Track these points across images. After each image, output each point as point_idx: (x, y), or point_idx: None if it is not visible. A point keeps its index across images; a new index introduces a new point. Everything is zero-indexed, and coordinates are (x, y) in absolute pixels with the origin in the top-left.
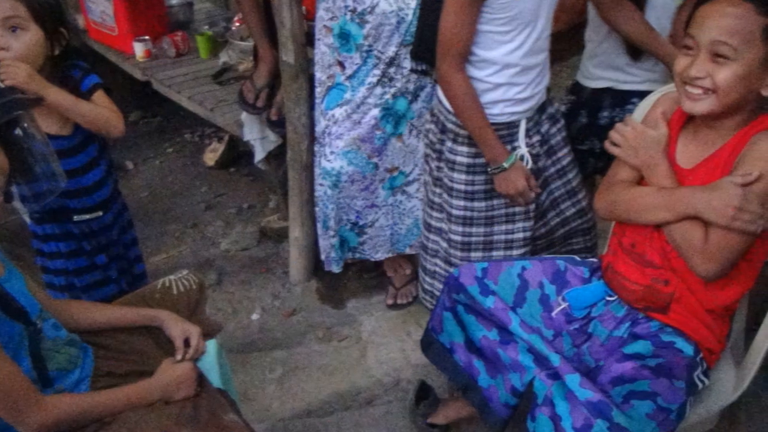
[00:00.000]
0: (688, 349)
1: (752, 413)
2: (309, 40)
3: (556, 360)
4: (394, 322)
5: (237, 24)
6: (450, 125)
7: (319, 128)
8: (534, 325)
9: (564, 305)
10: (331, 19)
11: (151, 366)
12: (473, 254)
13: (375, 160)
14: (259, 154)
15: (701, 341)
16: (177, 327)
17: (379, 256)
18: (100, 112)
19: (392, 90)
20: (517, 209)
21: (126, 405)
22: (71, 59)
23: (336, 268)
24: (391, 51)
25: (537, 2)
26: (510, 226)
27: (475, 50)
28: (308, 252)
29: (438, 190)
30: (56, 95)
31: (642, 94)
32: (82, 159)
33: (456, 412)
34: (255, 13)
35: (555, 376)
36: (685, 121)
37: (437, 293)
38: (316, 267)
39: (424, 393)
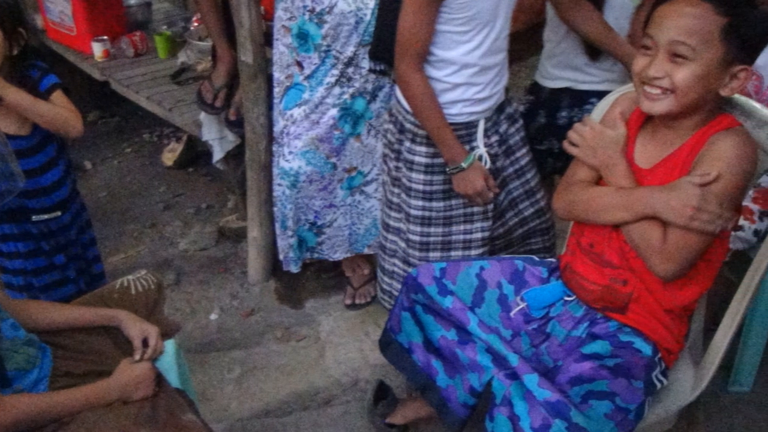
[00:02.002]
0: (647, 349)
1: (711, 413)
2: (267, 40)
3: (514, 360)
4: (352, 322)
5: (195, 24)
6: (408, 125)
7: (277, 128)
8: (492, 325)
9: (522, 305)
10: (290, 19)
11: (109, 366)
12: (431, 254)
13: (333, 160)
14: (218, 154)
15: (660, 341)
16: (135, 327)
17: (338, 256)
18: (59, 112)
19: (351, 90)
20: (476, 209)
21: (84, 405)
22: (30, 59)
23: (294, 268)
24: (349, 51)
25: (495, 2)
26: (468, 226)
27: (433, 50)
28: (267, 252)
29: (396, 190)
30: (14, 95)
31: (600, 94)
32: (40, 159)
33: (414, 412)
34: (213, 13)
35: (513, 376)
36: (643, 121)
37: (395, 293)
38: (274, 267)
39: (382, 393)
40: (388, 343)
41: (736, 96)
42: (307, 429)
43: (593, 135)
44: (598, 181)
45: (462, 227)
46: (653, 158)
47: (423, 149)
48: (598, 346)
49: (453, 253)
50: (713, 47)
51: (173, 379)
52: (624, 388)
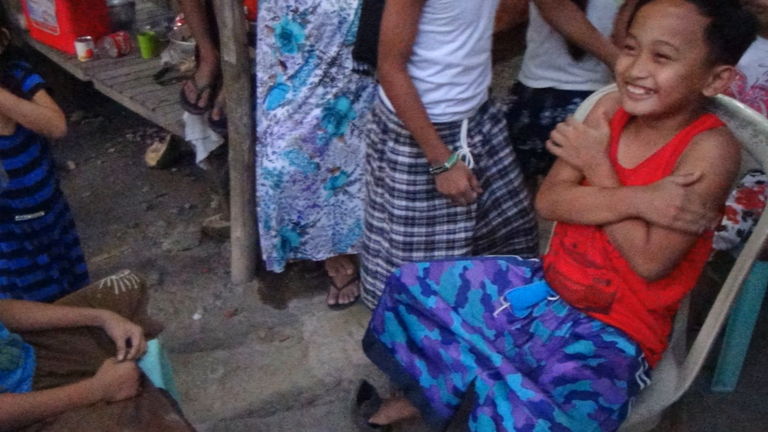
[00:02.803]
0: (630, 349)
1: (694, 413)
2: (251, 40)
3: (497, 360)
4: (335, 322)
5: (179, 24)
6: (392, 125)
7: (260, 128)
8: (476, 325)
9: (506, 305)
10: (273, 19)
11: (92, 366)
12: (415, 254)
13: (317, 160)
14: (201, 154)
15: (643, 341)
16: (119, 327)
17: (321, 256)
18: (42, 112)
19: (334, 90)
20: (459, 209)
21: (68, 405)
22: (13, 59)
23: (278, 268)
24: (332, 51)
25: (479, 2)
26: (452, 226)
27: (416, 50)
28: (250, 252)
29: (380, 190)
30: None
31: (584, 94)
32: (23, 159)
33: (398, 412)
34: (197, 13)
35: (497, 376)
36: (626, 121)
37: (379, 293)
38: (257, 267)
39: (365, 393)
40: (371, 343)
41: (720, 96)
42: (290, 429)
43: (576, 135)
44: (582, 181)
45: (445, 227)
46: (637, 158)
47: (406, 149)
48: (581, 346)
49: (436, 253)
50: (696, 47)
51: (156, 378)
52: (607, 388)
